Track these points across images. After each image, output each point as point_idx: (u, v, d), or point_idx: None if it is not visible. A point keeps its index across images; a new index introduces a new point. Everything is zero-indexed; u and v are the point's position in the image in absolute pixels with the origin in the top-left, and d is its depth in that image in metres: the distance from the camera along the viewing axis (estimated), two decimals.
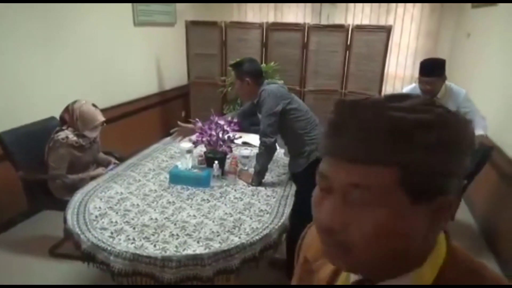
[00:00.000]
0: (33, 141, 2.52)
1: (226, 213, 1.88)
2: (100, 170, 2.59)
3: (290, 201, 2.05)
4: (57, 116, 2.60)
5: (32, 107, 2.97)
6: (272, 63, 4.18)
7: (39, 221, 3.02)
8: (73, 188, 2.26)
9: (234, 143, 2.52)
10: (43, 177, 2.48)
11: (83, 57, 3.50)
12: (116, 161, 2.77)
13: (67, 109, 2.51)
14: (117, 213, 1.85)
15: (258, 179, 2.21)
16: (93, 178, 2.46)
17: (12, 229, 2.94)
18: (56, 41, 3.19)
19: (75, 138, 2.47)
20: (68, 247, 1.94)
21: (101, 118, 2.55)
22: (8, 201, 2.89)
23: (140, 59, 4.39)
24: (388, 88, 5.15)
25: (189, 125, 2.56)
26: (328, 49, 4.24)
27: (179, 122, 2.56)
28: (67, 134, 2.45)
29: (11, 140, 2.44)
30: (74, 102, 2.53)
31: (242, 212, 1.90)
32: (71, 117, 2.48)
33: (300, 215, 2.13)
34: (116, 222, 1.76)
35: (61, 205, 2.00)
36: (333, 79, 4.32)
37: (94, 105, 2.57)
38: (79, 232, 1.67)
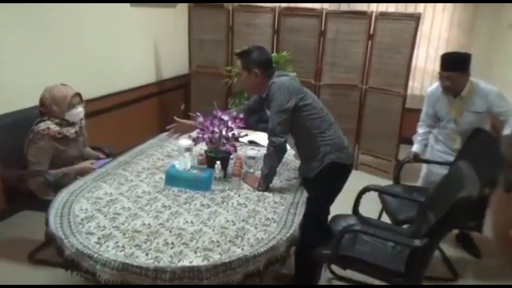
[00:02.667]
0: (13, 133, 2.53)
1: (228, 221, 1.87)
2: (87, 163, 2.59)
3: (301, 209, 2.04)
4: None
5: (12, 95, 2.98)
6: (284, 53, 4.17)
7: (18, 222, 3.04)
8: (57, 186, 2.27)
9: (239, 141, 2.51)
10: (21, 173, 2.49)
11: (72, 40, 3.51)
12: (103, 157, 2.77)
13: (40, 101, 2.54)
14: (105, 216, 1.85)
15: (265, 184, 2.20)
16: (79, 173, 2.46)
17: None
18: (41, 22, 3.20)
19: (57, 128, 2.48)
20: (49, 252, 1.94)
21: (72, 91, 2.56)
22: None
23: (136, 43, 4.41)
24: (416, 85, 5.12)
25: (188, 121, 2.56)
26: (347, 38, 4.22)
27: (176, 118, 2.55)
28: (48, 124, 2.47)
29: None
30: (44, 90, 2.56)
31: (246, 220, 1.89)
32: (46, 106, 2.51)
33: (312, 225, 2.13)
34: (104, 226, 1.76)
35: (43, 206, 2.01)
36: (352, 72, 4.31)
37: (63, 84, 2.59)
38: (63, 237, 1.67)
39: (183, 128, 2.56)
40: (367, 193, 2.51)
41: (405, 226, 2.50)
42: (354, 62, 4.27)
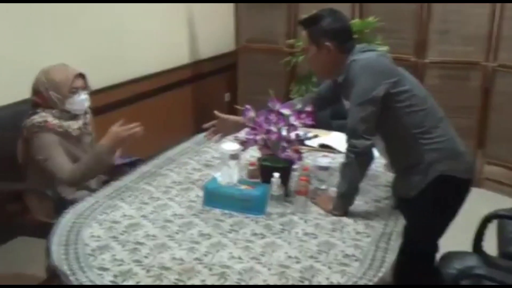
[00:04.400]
0: (5, 131, 2.69)
1: (290, 257, 1.89)
2: (114, 128, 2.61)
3: (396, 244, 2.02)
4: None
5: (3, 84, 3.17)
6: (370, 18, 4.15)
7: (12, 252, 3.22)
8: (63, 202, 2.40)
9: (305, 145, 2.53)
10: (17, 187, 2.66)
11: (73, 11, 3.66)
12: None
13: (33, 88, 2.66)
14: (123, 246, 1.93)
15: (343, 205, 2.21)
16: (111, 150, 2.59)
17: None
18: None
19: (56, 121, 2.60)
20: None
21: (74, 71, 2.66)
22: None
23: (162, 10, 4.52)
24: None
25: (233, 117, 2.61)
26: None
27: (217, 113, 2.62)
28: (43, 117, 2.58)
29: None
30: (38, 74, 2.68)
31: (315, 257, 1.90)
32: (41, 94, 2.62)
33: (413, 266, 2.11)
34: (121, 260, 1.84)
35: (43, 231, 2.12)
36: (472, 44, 4.23)
37: (63, 65, 2.70)
38: (68, 272, 1.76)
39: (226, 127, 2.62)
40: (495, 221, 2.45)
41: None
42: (476, 30, 4.19)
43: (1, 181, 2.66)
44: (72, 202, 2.34)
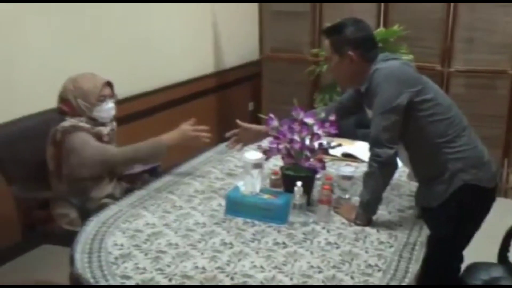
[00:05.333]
0: (32, 140, 2.73)
1: (312, 267, 1.89)
2: (185, 126, 2.64)
3: (419, 254, 2.00)
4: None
5: (27, 95, 3.25)
6: (395, 26, 4.13)
7: (36, 259, 3.27)
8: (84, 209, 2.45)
9: (329, 154, 2.52)
10: (43, 196, 2.69)
11: (104, 23, 3.73)
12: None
13: (59, 96, 2.69)
14: (146, 255, 1.94)
15: (366, 215, 2.20)
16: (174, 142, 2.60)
17: None
18: (66, 5, 3.44)
19: (88, 125, 2.64)
20: None
21: (102, 79, 2.69)
22: None
23: (187, 19, 4.57)
24: None
25: (256, 126, 2.62)
26: (492, 3, 4.11)
27: (239, 122, 2.63)
28: (73, 122, 2.61)
29: (1, 140, 2.65)
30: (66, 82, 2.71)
31: (338, 267, 1.89)
32: (68, 102, 2.65)
33: (437, 277, 2.09)
34: (144, 268, 1.85)
35: (67, 239, 2.15)
36: (499, 52, 4.19)
37: (90, 73, 2.73)
38: (91, 280, 1.78)
39: (249, 136, 2.63)
40: None
41: None
42: (503, 38, 4.15)
43: (28, 190, 2.70)
44: (96, 210, 2.36)
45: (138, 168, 2.76)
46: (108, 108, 2.71)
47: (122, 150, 2.64)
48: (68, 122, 2.60)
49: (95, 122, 2.68)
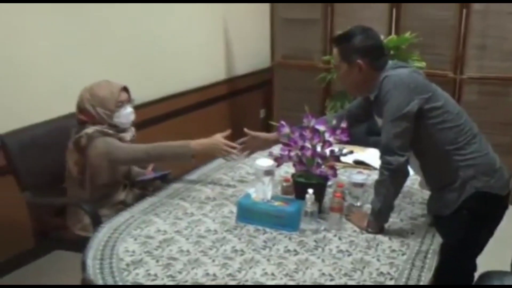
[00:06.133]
0: (45, 147, 2.77)
1: (323, 275, 1.88)
2: (218, 137, 2.64)
3: (432, 262, 1.99)
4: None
5: (42, 101, 3.28)
6: (407, 33, 4.12)
7: (49, 265, 3.28)
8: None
9: (340, 162, 2.51)
10: (56, 202, 2.71)
11: (116, 30, 3.76)
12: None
13: (77, 106, 2.71)
14: (157, 261, 1.95)
15: (377, 223, 2.19)
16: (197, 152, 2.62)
17: (9, 276, 3.23)
18: (78, 10, 3.49)
19: (111, 131, 2.65)
20: None
21: (118, 84, 2.71)
22: (7, 233, 3.20)
23: (199, 27, 4.60)
24: None
25: (264, 134, 2.62)
26: (506, 10, 4.10)
27: (246, 130, 2.63)
28: (94, 129, 2.61)
29: (14, 147, 2.69)
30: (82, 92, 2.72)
31: (349, 275, 1.88)
32: (86, 111, 2.66)
33: (450, 285, 2.07)
34: (155, 275, 1.86)
35: (79, 245, 2.16)
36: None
37: (105, 81, 2.74)
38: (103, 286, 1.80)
39: (257, 143, 2.64)
40: None
41: None
42: None
43: (40, 196, 2.72)
44: (109, 216, 2.37)
45: (149, 175, 2.77)
46: (127, 113, 2.73)
47: (151, 146, 2.63)
48: (91, 128, 2.61)
49: (116, 128, 2.69)
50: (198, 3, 4.52)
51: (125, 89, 2.74)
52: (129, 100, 2.75)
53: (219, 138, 2.62)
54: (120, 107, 2.68)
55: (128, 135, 2.73)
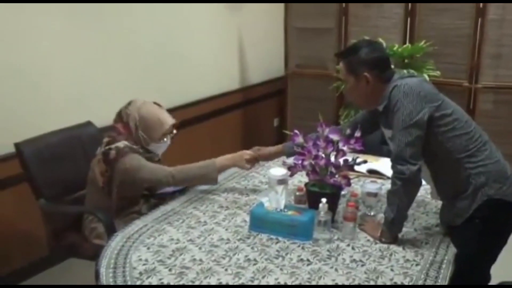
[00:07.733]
0: (60, 155, 2.80)
1: (337, 284, 1.88)
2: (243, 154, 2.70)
3: (446, 273, 1.98)
4: (93, 120, 2.88)
5: (58, 110, 3.31)
6: (422, 42, 4.11)
7: (62, 274, 3.30)
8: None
9: (354, 171, 2.51)
10: (71, 210, 2.72)
11: (131, 40, 3.79)
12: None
13: (119, 115, 2.70)
14: (170, 270, 1.95)
15: (391, 233, 2.18)
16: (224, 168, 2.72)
17: (24, 283, 3.25)
18: (94, 19, 3.53)
19: (141, 150, 2.65)
20: None
21: (170, 120, 2.71)
22: (22, 240, 3.22)
23: (213, 36, 4.62)
24: None
25: (271, 148, 2.65)
26: None
27: (253, 150, 2.65)
28: (128, 144, 2.62)
29: (30, 154, 2.72)
30: (129, 103, 2.71)
31: (363, 285, 1.88)
32: (126, 126, 2.66)
33: None
34: (168, 284, 1.86)
35: (94, 253, 2.18)
36: None
37: (156, 104, 2.74)
38: None
39: (263, 156, 2.70)
40: None
41: None
42: None
43: (55, 203, 2.75)
44: (122, 225, 2.38)
45: (169, 189, 2.76)
46: (166, 145, 2.76)
47: (177, 169, 2.63)
48: (123, 143, 2.61)
49: (147, 151, 2.70)
50: (214, 16, 4.56)
51: (174, 124, 2.74)
52: (171, 132, 2.75)
53: (244, 151, 2.69)
54: (160, 140, 2.70)
55: (156, 157, 2.75)
